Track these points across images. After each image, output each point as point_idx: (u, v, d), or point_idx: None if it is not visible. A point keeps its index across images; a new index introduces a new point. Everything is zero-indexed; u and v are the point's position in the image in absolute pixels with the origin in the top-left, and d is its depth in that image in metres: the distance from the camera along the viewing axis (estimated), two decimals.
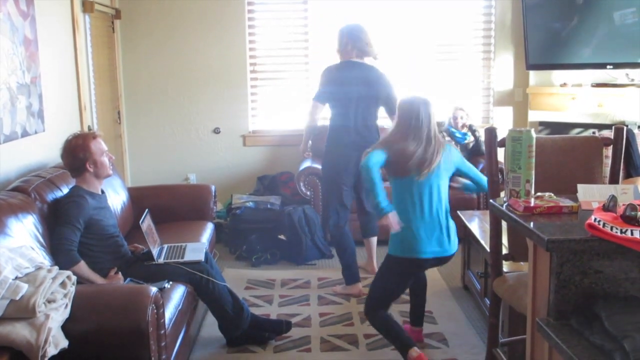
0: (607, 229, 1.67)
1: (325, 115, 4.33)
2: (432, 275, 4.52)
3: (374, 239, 4.55)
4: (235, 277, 4.53)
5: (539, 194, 2.08)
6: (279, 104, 6.12)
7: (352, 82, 4.11)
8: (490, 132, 2.51)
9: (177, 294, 3.09)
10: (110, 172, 3.33)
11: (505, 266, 2.78)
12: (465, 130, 5.63)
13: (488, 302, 3.52)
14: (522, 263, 2.88)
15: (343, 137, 4.15)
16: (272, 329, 3.56)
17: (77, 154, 3.18)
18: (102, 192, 3.38)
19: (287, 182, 5.73)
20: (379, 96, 4.17)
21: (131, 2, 5.80)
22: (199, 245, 3.64)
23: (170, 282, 3.14)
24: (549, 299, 1.74)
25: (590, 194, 2.09)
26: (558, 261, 1.70)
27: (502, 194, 2.46)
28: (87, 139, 3.22)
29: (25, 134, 3.58)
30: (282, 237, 5.01)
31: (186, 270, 3.27)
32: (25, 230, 2.80)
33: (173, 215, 4.33)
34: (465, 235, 4.16)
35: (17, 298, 2.13)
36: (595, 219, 1.72)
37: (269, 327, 3.56)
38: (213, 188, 4.60)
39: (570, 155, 2.55)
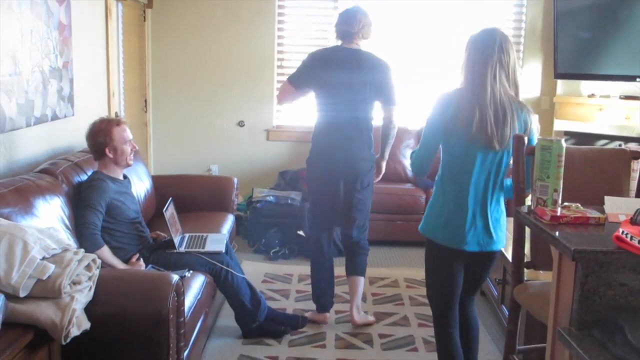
0: (635, 242, 1.67)
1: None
2: None
3: (360, 280, 3.74)
4: (253, 270, 4.56)
5: (565, 203, 2.07)
6: (304, 100, 6.11)
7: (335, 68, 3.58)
8: (519, 140, 2.49)
9: (197, 283, 3.13)
10: (130, 162, 3.31)
11: (525, 274, 2.77)
12: None
13: (505, 309, 3.52)
14: (541, 272, 2.87)
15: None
16: (288, 323, 3.58)
17: (98, 137, 3.22)
18: (125, 177, 3.41)
19: None
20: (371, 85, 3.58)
21: None
22: (219, 236, 3.67)
23: (191, 271, 3.18)
24: (572, 308, 1.74)
25: (618, 207, 2.09)
26: (583, 272, 1.69)
27: (527, 201, 2.46)
28: (110, 125, 3.25)
29: (55, 117, 3.63)
30: (301, 232, 5.04)
31: (206, 260, 3.31)
32: (52, 211, 2.85)
33: (195, 205, 4.37)
34: None
35: (44, 278, 2.17)
36: (622, 232, 1.71)
37: (285, 321, 3.59)
38: (235, 180, 4.63)
39: (598, 167, 2.54)
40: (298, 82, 3.66)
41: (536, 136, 2.56)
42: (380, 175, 3.81)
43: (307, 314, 3.77)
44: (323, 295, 3.74)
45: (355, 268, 3.74)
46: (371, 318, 3.81)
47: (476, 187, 2.51)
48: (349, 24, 3.58)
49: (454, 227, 2.53)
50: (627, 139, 5.35)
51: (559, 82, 5.86)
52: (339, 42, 3.67)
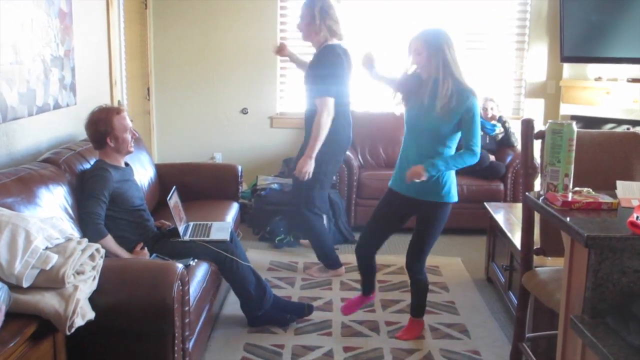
0: None
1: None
2: (456, 266, 4.50)
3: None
4: (258, 258, 4.54)
5: (576, 188, 2.03)
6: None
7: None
8: (527, 124, 2.46)
9: (202, 271, 3.10)
10: (131, 149, 3.28)
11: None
12: (494, 121, 5.55)
13: (512, 295, 3.49)
14: (549, 258, 2.84)
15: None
16: (293, 311, 3.56)
17: (99, 127, 3.18)
18: (127, 164, 3.38)
19: None
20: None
21: None
22: (224, 225, 3.64)
23: (195, 260, 3.15)
24: (584, 296, 1.71)
25: (630, 191, 2.04)
26: (597, 258, 1.66)
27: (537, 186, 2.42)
28: (110, 113, 3.21)
29: (57, 106, 3.59)
30: None
31: (211, 249, 3.27)
32: (55, 201, 2.82)
33: (199, 194, 4.33)
34: (490, 227, 4.12)
35: (47, 268, 2.14)
36: (637, 217, 1.68)
37: (290, 309, 3.56)
38: (240, 168, 4.59)
39: (609, 151, 2.50)
40: (333, 92, 3.98)
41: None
42: None
43: (325, 274, 4.26)
44: (333, 252, 4.32)
45: None
46: None
47: (418, 149, 3.15)
48: (339, 22, 3.98)
49: (401, 175, 3.20)
50: (635, 123, 5.29)
51: (565, 65, 5.80)
52: (334, 40, 4.00)
